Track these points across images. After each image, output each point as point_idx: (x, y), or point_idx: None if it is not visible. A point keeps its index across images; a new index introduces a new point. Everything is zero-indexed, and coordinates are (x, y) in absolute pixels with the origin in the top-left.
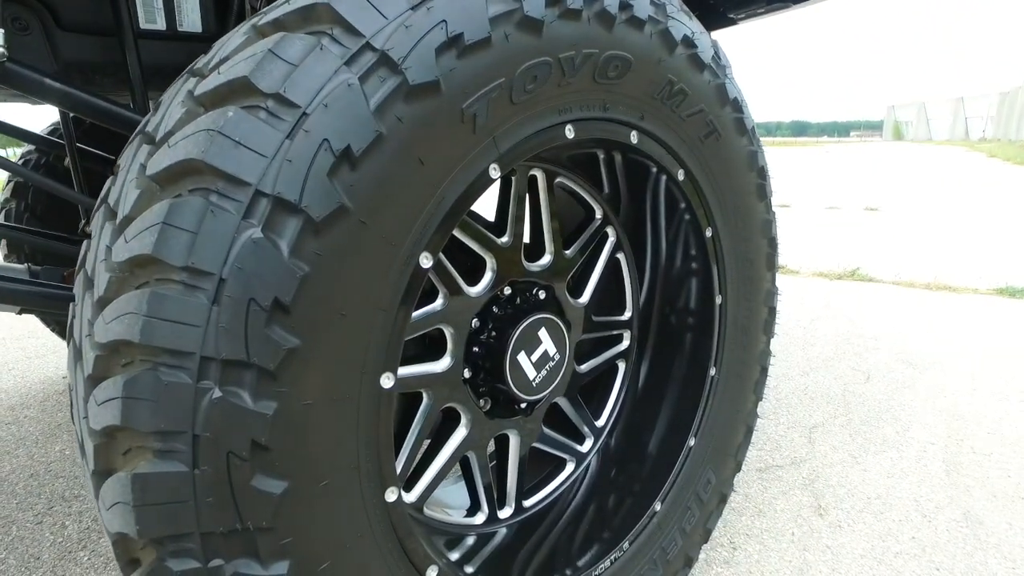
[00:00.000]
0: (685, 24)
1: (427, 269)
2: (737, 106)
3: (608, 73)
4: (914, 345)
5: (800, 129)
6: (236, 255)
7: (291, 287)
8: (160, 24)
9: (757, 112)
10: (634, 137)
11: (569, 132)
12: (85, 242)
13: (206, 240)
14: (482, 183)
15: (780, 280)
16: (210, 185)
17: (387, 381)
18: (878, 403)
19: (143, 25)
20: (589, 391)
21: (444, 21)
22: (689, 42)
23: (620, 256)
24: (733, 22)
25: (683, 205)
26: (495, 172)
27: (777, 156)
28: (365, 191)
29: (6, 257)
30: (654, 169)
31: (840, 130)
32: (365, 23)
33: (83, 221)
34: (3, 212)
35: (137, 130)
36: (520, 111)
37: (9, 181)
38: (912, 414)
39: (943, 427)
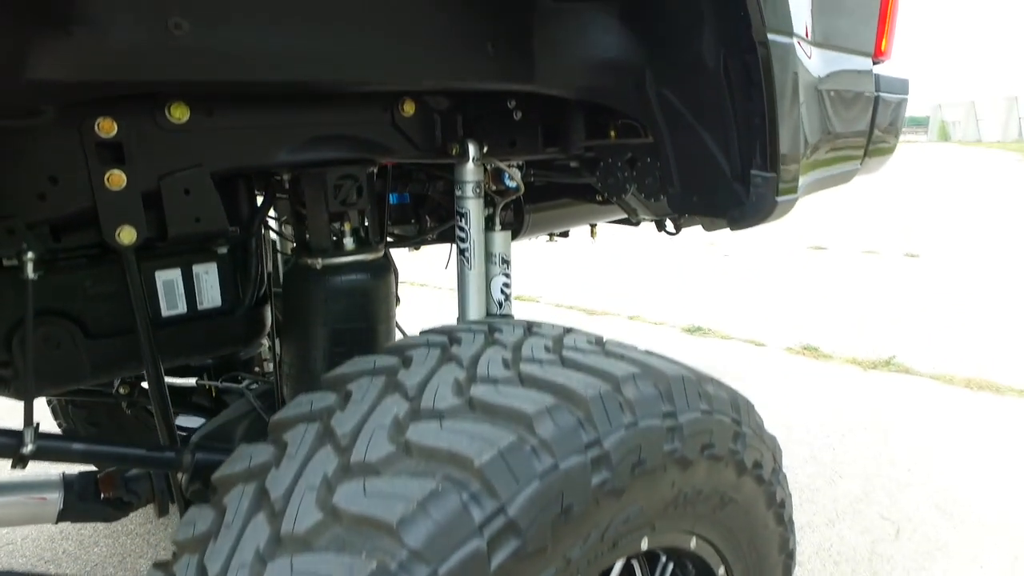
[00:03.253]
0: (697, 427)
1: None
2: (757, 465)
3: (618, 529)
4: (950, 480)
5: None
6: (458, 558)
7: None
8: (181, 308)
9: None
10: (645, 543)
11: None
12: (244, 449)
13: (444, 534)
14: None
15: (812, 368)
16: (469, 484)
17: None
18: (906, 572)
19: (165, 313)
20: None
21: None
22: (707, 446)
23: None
24: None
25: (697, 561)
26: None
27: None
28: (562, 543)
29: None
30: (665, 554)
31: None
32: None
33: None
34: None
35: (310, 413)
36: None
37: None
38: None
39: None
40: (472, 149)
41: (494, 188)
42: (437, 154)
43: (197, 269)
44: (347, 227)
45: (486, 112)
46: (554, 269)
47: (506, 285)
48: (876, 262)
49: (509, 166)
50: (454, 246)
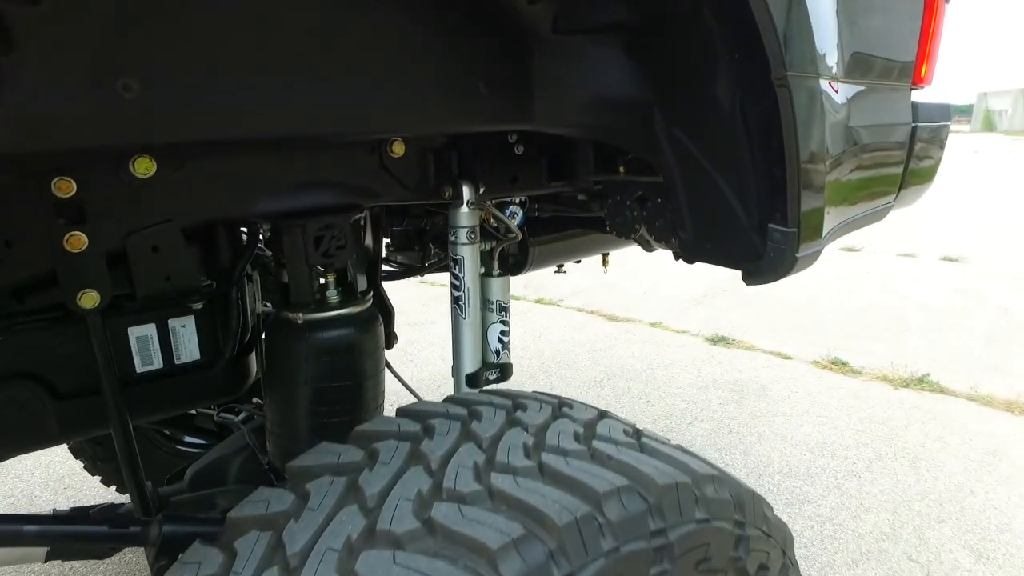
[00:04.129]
0: (691, 542)
1: None
2: (762, 567)
3: None
4: (987, 517)
5: None
6: None
7: None
8: (157, 364)
9: None
10: None
11: None
12: (196, 549)
13: None
14: None
15: (839, 384)
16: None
17: None
18: None
19: (140, 370)
20: None
21: None
22: (702, 560)
23: None
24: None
25: None
26: None
27: None
28: None
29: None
30: None
31: None
32: None
33: None
34: None
35: (264, 517)
36: None
37: None
38: None
39: None
40: (467, 192)
41: (494, 225)
42: (430, 196)
43: (173, 323)
44: (331, 278)
45: (484, 148)
46: (575, 271)
47: (504, 333)
48: (912, 266)
49: (507, 206)
50: None
